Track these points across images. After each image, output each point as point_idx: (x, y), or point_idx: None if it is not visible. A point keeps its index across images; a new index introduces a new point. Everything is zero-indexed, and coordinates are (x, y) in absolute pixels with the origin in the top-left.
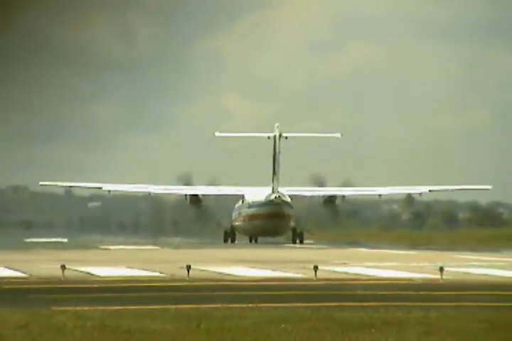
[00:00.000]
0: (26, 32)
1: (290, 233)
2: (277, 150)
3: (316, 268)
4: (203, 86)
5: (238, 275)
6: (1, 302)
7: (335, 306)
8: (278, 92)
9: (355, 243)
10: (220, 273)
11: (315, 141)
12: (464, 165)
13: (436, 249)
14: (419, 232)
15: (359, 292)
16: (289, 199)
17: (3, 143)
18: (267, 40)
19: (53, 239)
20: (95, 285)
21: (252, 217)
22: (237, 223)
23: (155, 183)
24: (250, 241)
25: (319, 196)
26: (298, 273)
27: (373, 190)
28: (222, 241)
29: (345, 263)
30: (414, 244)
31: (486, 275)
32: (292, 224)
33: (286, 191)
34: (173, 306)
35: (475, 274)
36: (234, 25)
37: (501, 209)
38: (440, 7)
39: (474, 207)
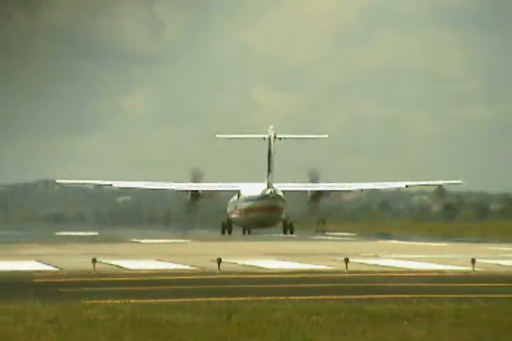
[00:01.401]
0: (54, 25)
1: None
2: (272, 151)
3: (346, 260)
4: (231, 78)
5: (268, 268)
6: (33, 296)
7: (366, 298)
8: (307, 84)
9: (385, 235)
10: (251, 265)
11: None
12: (498, 154)
13: (468, 241)
14: (450, 224)
15: (390, 284)
16: (281, 194)
17: (33, 138)
18: (297, 31)
19: (84, 233)
20: (126, 279)
21: (248, 210)
22: (233, 216)
23: (166, 178)
24: (244, 232)
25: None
26: (329, 266)
27: (352, 186)
28: (220, 232)
29: (376, 256)
30: (446, 236)
31: None
32: (284, 216)
33: (278, 186)
34: (204, 299)
35: (507, 266)
36: (263, 17)
37: None
38: None
39: (506, 199)
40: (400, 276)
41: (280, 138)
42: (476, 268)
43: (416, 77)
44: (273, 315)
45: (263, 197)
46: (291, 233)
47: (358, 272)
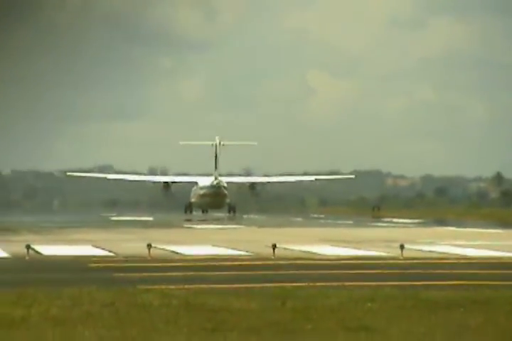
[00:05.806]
0: (108, 11)
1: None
2: (218, 154)
3: (402, 246)
4: (286, 62)
5: (323, 254)
6: (89, 281)
7: (422, 285)
8: (362, 69)
9: (442, 221)
10: (305, 251)
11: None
12: None
13: None
14: (507, 210)
15: (446, 271)
16: (225, 184)
17: (90, 124)
18: (352, 16)
19: (139, 218)
20: (180, 264)
21: (202, 196)
22: (193, 200)
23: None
24: (202, 212)
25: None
26: (384, 252)
27: (278, 179)
28: (184, 212)
29: (432, 242)
30: (503, 223)
31: None
32: (228, 200)
33: (224, 178)
34: (259, 285)
35: None
36: (318, 2)
37: None
38: None
39: None
40: (457, 263)
41: (224, 145)
42: None
43: (471, 62)
44: (328, 301)
45: (210, 186)
46: (234, 213)
47: (414, 258)
